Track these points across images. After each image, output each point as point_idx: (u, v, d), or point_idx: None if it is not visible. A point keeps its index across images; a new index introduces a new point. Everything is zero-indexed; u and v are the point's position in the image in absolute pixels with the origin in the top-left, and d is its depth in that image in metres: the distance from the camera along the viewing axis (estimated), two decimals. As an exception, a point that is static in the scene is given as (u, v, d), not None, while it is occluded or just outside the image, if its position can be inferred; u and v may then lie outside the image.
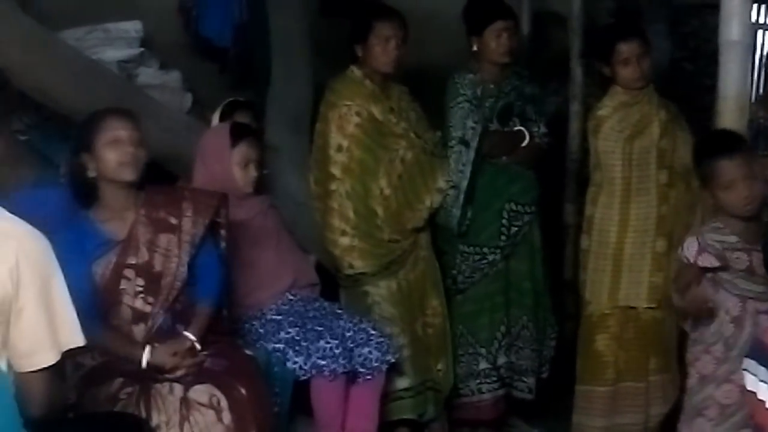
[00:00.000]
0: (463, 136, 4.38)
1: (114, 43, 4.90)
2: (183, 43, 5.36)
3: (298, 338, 3.79)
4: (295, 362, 3.75)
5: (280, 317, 3.90)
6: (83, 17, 4.89)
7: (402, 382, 4.20)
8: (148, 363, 3.28)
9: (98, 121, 3.38)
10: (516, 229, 4.46)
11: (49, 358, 2.42)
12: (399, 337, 4.19)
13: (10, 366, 2.40)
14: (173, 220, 3.42)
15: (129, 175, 3.36)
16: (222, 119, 4.37)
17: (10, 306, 2.35)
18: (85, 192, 3.39)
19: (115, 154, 3.34)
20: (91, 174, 3.36)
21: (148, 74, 4.96)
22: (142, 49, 4.98)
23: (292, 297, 4.02)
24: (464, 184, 4.35)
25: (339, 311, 4.02)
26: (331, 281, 4.30)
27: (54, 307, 2.41)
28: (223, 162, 3.88)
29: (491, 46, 4.38)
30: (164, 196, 3.50)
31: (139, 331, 3.36)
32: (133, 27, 5.01)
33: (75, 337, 2.46)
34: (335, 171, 4.22)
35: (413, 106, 4.43)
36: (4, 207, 2.43)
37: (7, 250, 2.33)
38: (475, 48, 4.42)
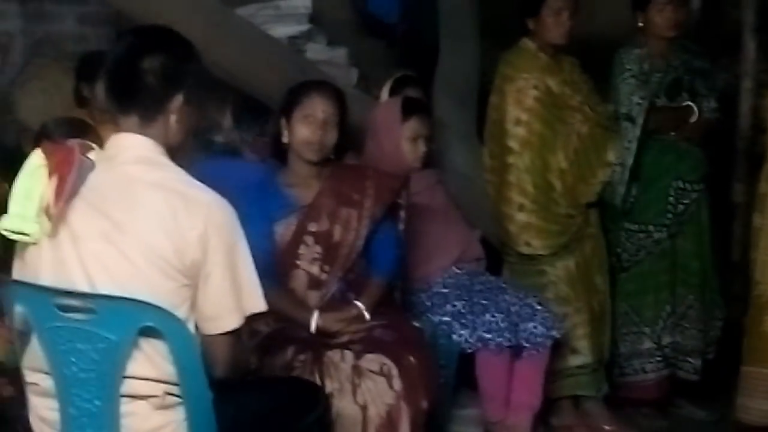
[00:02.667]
0: (629, 112, 4.31)
1: (283, 19, 5.01)
2: (350, 19, 5.44)
3: (463, 311, 3.83)
4: (461, 335, 3.79)
5: (446, 290, 3.95)
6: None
7: (577, 360, 4.19)
8: (316, 328, 3.37)
9: (302, 93, 3.53)
10: (683, 207, 4.38)
11: (233, 322, 2.52)
12: (574, 316, 4.18)
13: (196, 328, 2.51)
14: (356, 196, 3.52)
15: (311, 155, 3.49)
16: (391, 94, 4.43)
17: (198, 271, 2.45)
18: (277, 153, 3.52)
19: (306, 130, 3.48)
20: (284, 140, 3.49)
21: (316, 50, 5.06)
22: (310, 25, 5.08)
23: (458, 270, 4.06)
24: (629, 161, 4.28)
25: (504, 285, 4.03)
26: (495, 255, 4.32)
27: (238, 273, 2.50)
28: (393, 137, 3.94)
29: (656, 20, 4.30)
30: (350, 172, 3.63)
31: (313, 296, 3.46)
32: (302, 3, 5.11)
33: (257, 303, 2.55)
34: (513, 144, 4.20)
35: (584, 79, 4.38)
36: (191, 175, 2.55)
37: (196, 218, 2.43)
38: (640, 23, 4.35)
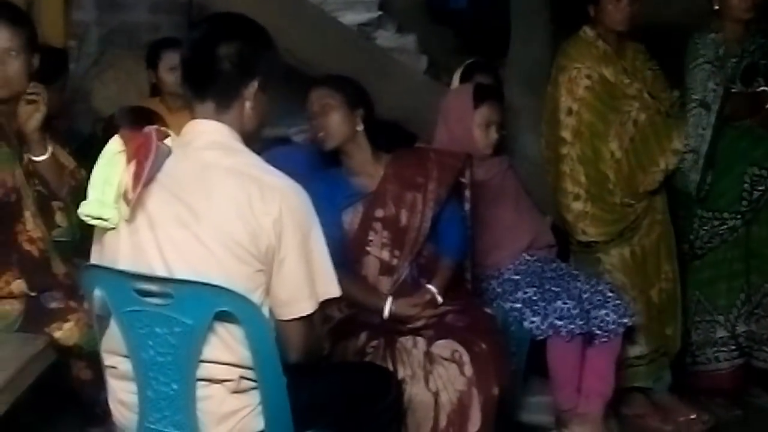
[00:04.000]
0: (704, 98, 4.25)
1: (353, 6, 5.02)
2: (419, 6, 5.44)
3: (535, 298, 3.81)
4: (532, 322, 3.77)
5: (517, 277, 3.93)
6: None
7: (634, 350, 4.15)
8: (390, 313, 3.38)
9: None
10: (758, 194, 4.31)
11: (307, 308, 2.53)
12: (630, 305, 4.14)
13: (271, 313, 2.53)
14: (419, 179, 3.52)
15: (325, 145, 3.51)
16: (462, 81, 4.43)
17: (273, 256, 2.47)
18: None
19: (313, 126, 3.52)
20: None
21: (385, 37, 5.07)
22: (380, 12, 5.09)
23: (529, 257, 4.04)
24: (704, 148, 4.22)
25: (575, 272, 4.01)
26: (567, 242, 4.30)
27: (313, 258, 2.52)
28: (465, 123, 3.93)
29: (732, 2, 4.23)
30: (411, 156, 3.63)
31: (385, 282, 3.48)
32: (372, -9, 5.13)
33: (332, 288, 2.57)
34: (566, 135, 4.18)
35: (649, 65, 4.33)
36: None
37: (271, 203, 2.45)
38: (715, 6, 4.29)
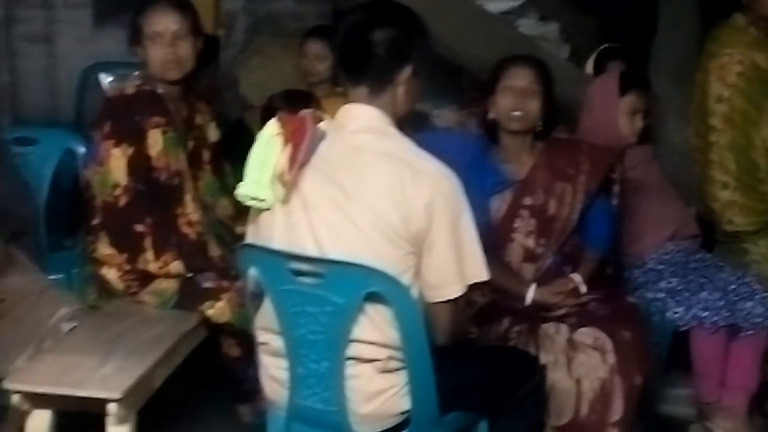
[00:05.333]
0: None
1: (497, -6, 5.04)
2: (562, -6, 5.41)
3: (679, 288, 3.76)
4: (676, 312, 3.72)
5: (661, 267, 3.89)
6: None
7: None
8: (532, 300, 3.39)
9: (502, 67, 3.55)
10: None
11: (456, 290, 2.57)
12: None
13: (420, 295, 2.58)
14: (570, 171, 3.51)
15: (514, 125, 3.50)
16: (596, 67, 4.39)
17: (423, 239, 2.51)
18: (488, 130, 3.57)
19: (506, 101, 3.50)
20: (491, 116, 3.53)
21: (528, 25, 5.06)
22: (523, 0, 5.08)
23: (673, 247, 3.98)
24: None
25: (721, 264, 3.93)
26: (712, 233, 4.23)
27: (462, 242, 2.55)
28: (610, 111, 3.89)
29: None
30: (564, 146, 3.61)
31: (528, 269, 3.48)
32: (514, -22, 5.12)
33: (480, 272, 2.59)
34: (715, 122, 4.11)
35: None
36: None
37: (423, 187, 2.49)
38: None
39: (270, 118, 2.65)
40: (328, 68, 4.56)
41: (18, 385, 2.90)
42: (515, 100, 3.49)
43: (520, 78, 3.50)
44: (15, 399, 2.90)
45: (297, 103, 3.82)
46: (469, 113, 4.59)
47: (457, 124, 4.81)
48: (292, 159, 2.53)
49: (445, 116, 4.86)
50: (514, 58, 3.58)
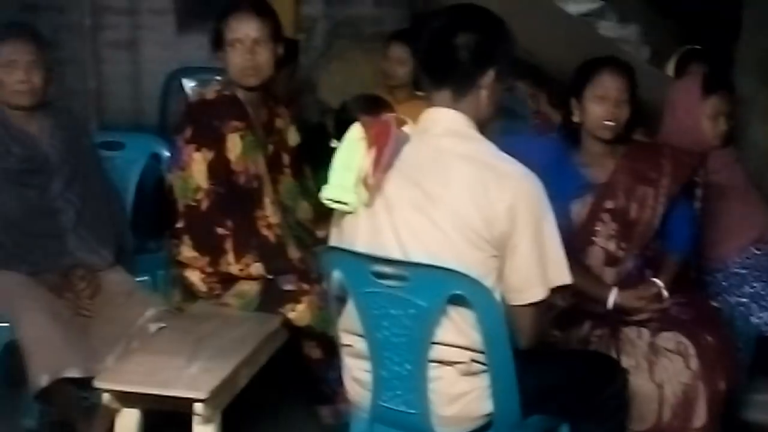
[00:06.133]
0: None
1: (579, -3, 5.04)
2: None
3: (763, 293, 3.72)
4: (760, 317, 3.68)
5: (744, 271, 3.84)
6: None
7: None
8: (614, 304, 3.37)
9: (591, 73, 3.49)
10: None
11: (538, 294, 2.56)
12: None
13: (503, 298, 2.58)
14: (652, 174, 3.48)
15: (606, 134, 3.46)
16: (677, 69, 4.35)
17: (506, 242, 2.51)
18: (570, 134, 3.55)
19: (599, 110, 3.44)
20: (576, 119, 3.50)
21: (607, 28, 5.06)
22: (602, 2, 5.07)
23: (757, 251, 3.92)
24: None
25: (807, 269, 3.89)
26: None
27: (545, 245, 2.54)
28: (693, 114, 3.86)
29: None
30: (645, 150, 3.58)
31: (610, 273, 3.45)
32: (594, -20, 5.11)
33: (563, 275, 2.58)
34: None
35: None
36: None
37: (506, 190, 2.49)
38: None
39: (344, 123, 2.67)
40: (408, 72, 4.59)
41: (108, 384, 2.97)
42: (609, 110, 3.44)
43: (613, 88, 3.45)
44: (105, 398, 2.96)
45: (370, 107, 3.85)
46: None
47: (530, 96, 4.82)
48: (376, 162, 2.55)
49: (520, 89, 4.86)
50: (603, 62, 3.53)
